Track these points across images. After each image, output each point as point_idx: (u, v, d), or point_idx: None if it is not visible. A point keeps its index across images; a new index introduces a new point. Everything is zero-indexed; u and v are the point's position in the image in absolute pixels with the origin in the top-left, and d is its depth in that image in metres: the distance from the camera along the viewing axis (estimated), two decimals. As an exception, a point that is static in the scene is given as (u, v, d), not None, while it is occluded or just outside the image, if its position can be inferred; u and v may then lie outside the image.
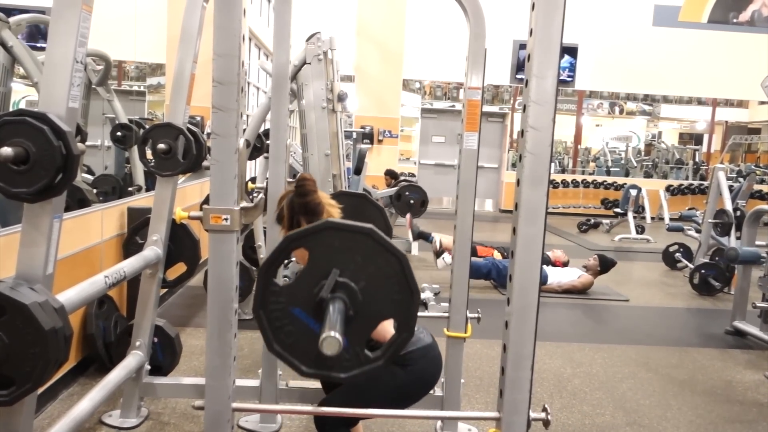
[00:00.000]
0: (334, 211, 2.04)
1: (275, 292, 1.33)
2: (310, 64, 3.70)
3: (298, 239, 1.31)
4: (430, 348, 1.98)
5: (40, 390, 1.76)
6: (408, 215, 6.71)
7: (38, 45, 3.85)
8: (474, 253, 5.83)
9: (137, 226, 3.04)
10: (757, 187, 11.76)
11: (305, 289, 1.30)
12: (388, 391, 1.90)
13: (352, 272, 1.29)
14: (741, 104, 14.53)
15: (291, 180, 5.68)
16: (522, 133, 1.54)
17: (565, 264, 6.24)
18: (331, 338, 1.19)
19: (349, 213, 2.13)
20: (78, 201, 3.52)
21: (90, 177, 4.50)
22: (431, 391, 2.69)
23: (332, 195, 2.46)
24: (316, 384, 2.73)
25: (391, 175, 8.86)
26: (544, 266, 5.75)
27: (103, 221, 3.40)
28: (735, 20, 12.52)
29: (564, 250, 6.60)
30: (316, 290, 1.29)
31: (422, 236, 6.66)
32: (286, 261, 2.20)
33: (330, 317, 1.23)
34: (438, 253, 5.64)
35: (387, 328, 1.62)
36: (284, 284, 1.33)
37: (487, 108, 12.37)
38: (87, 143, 4.34)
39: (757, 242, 4.70)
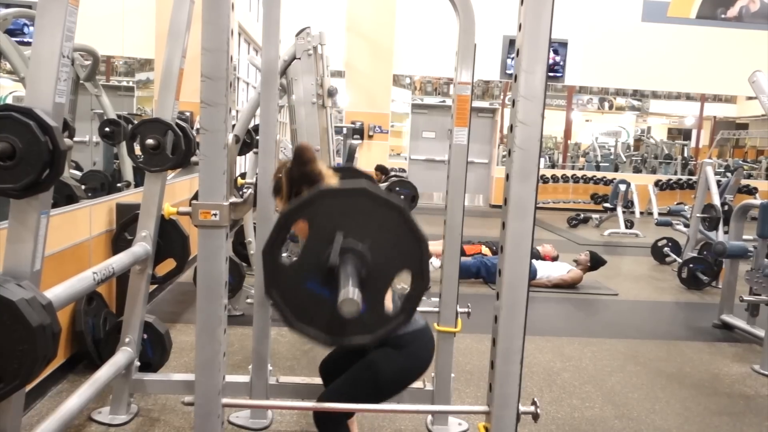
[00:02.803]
0: (333, 182, 2.00)
1: (284, 271, 1.31)
2: (299, 59, 3.68)
3: (295, 212, 1.29)
4: (424, 331, 1.98)
5: (29, 387, 1.75)
6: None
7: (25, 40, 3.81)
8: (461, 253, 5.83)
9: (126, 222, 3.02)
10: (744, 181, 11.83)
11: (313, 261, 1.28)
12: (387, 375, 1.90)
13: (356, 233, 1.28)
14: (729, 100, 14.61)
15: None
16: (511, 128, 1.54)
17: (554, 259, 6.27)
18: (348, 300, 1.17)
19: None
20: (66, 197, 3.50)
21: (78, 173, 4.47)
22: (422, 386, 2.72)
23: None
24: (306, 379, 2.73)
25: (382, 171, 8.86)
26: (534, 261, 5.78)
27: (92, 217, 3.38)
28: (723, 16, 12.59)
29: (554, 244, 6.63)
30: (324, 258, 1.27)
31: None
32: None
33: (342, 281, 1.22)
34: None
35: (386, 302, 1.63)
36: (291, 262, 1.32)
37: (476, 103, 12.36)
38: (75, 139, 4.30)
39: (745, 236, 4.73)
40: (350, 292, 1.18)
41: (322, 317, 1.32)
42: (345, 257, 1.26)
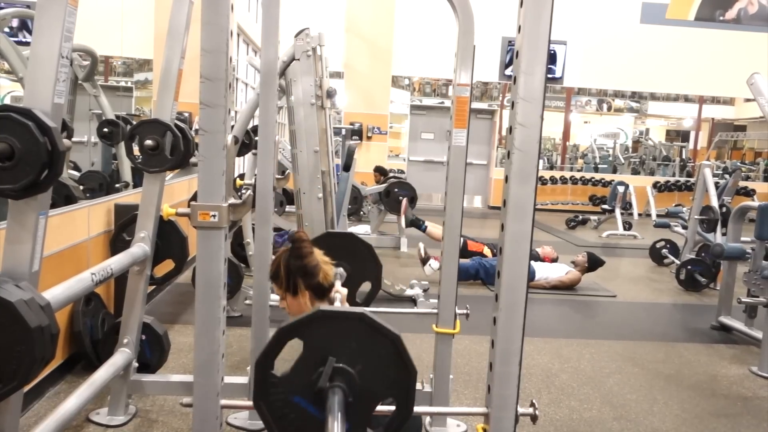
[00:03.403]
0: (328, 269, 2.04)
1: (274, 383, 1.34)
2: (298, 60, 3.68)
3: (291, 331, 1.32)
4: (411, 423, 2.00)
5: (27, 388, 1.74)
6: (404, 200, 6.74)
7: (24, 39, 3.81)
8: (464, 246, 5.85)
9: (124, 222, 3.02)
10: (742, 183, 11.87)
11: (303, 377, 1.32)
12: None
13: (348, 357, 1.31)
14: (727, 102, 14.65)
15: (279, 177, 5.68)
16: (510, 129, 1.54)
17: (554, 260, 6.28)
18: None
19: (337, 253, 2.14)
20: (64, 198, 3.49)
21: (76, 173, 4.46)
22: (421, 387, 2.72)
23: (319, 237, 2.46)
24: (305, 381, 2.72)
25: (380, 172, 8.87)
26: (532, 262, 5.78)
27: (90, 218, 3.37)
28: (721, 18, 12.61)
29: (553, 246, 6.63)
30: (315, 378, 1.30)
31: (415, 224, 6.72)
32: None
33: (332, 415, 1.24)
34: (424, 261, 5.65)
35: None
36: (282, 374, 1.34)
37: (475, 105, 12.38)
38: (73, 139, 4.30)
39: (742, 238, 4.74)
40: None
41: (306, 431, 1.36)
42: (335, 383, 1.29)
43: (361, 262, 2.46)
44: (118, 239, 2.99)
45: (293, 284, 1.96)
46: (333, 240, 2.51)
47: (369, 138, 11.15)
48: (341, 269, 2.26)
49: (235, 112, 4.49)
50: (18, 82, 3.73)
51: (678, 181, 13.04)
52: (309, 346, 1.31)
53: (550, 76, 10.47)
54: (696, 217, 6.28)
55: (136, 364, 2.72)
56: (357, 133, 10.80)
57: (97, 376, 2.43)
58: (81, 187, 4.10)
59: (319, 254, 2.01)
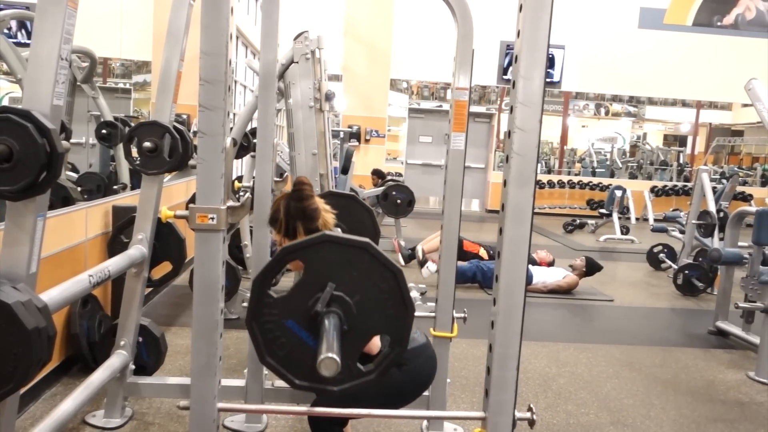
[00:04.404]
0: (329, 217, 2.03)
1: (269, 304, 1.32)
2: (297, 63, 3.68)
3: (295, 251, 1.30)
4: (424, 347, 1.99)
5: (23, 390, 1.74)
6: (395, 241, 6.56)
7: (22, 41, 3.81)
8: (461, 246, 5.82)
9: (122, 224, 3.01)
10: (739, 188, 11.90)
11: (300, 302, 1.30)
12: (384, 390, 1.90)
13: (348, 286, 1.29)
14: (725, 107, 14.68)
15: (278, 179, 5.66)
16: (509, 134, 1.54)
17: (550, 264, 6.28)
18: (330, 359, 1.17)
19: (337, 215, 2.12)
20: (62, 199, 3.48)
21: (74, 175, 4.46)
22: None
23: (320, 195, 2.45)
24: (302, 384, 2.72)
25: (378, 175, 8.87)
26: (530, 266, 5.78)
27: (88, 220, 3.37)
28: (719, 23, 12.66)
29: (549, 250, 6.63)
30: (311, 303, 1.28)
31: (412, 257, 6.14)
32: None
33: (327, 336, 1.22)
34: (421, 263, 5.64)
35: (375, 341, 1.63)
36: (279, 296, 1.32)
37: (474, 108, 12.40)
38: (72, 141, 4.29)
39: (740, 243, 4.75)
40: (332, 352, 1.18)
41: (293, 357, 1.34)
42: (331, 309, 1.27)
43: (360, 226, 2.43)
44: (116, 241, 2.99)
45: (292, 228, 1.94)
46: (334, 200, 2.47)
47: (367, 141, 11.16)
48: (339, 230, 2.24)
49: (234, 114, 4.50)
50: (16, 84, 3.73)
51: (675, 185, 13.07)
52: (310, 269, 1.29)
53: (548, 80, 10.50)
54: (693, 221, 6.29)
55: (133, 367, 2.72)
56: (355, 136, 10.81)
57: (93, 379, 2.43)
58: (79, 189, 4.09)
59: (320, 201, 1.99)
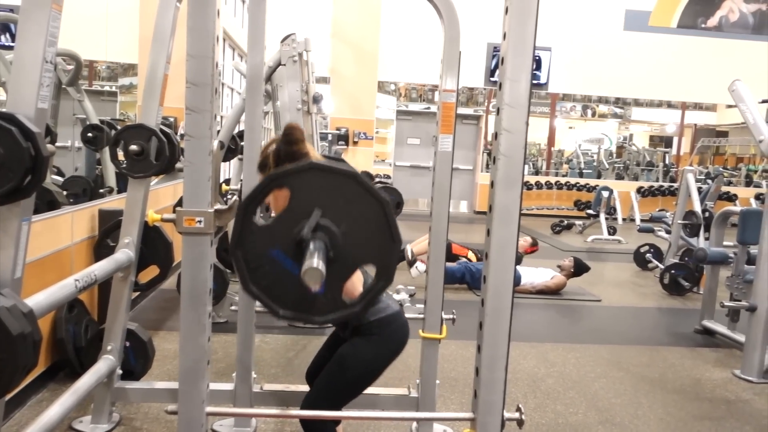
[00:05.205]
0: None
1: (254, 232, 1.30)
2: (284, 65, 3.68)
3: (282, 177, 1.28)
4: (395, 316, 2.00)
5: (8, 396, 1.72)
6: None
7: (6, 44, 3.78)
8: (449, 249, 5.83)
9: (109, 228, 2.99)
10: (724, 188, 12.01)
11: (285, 230, 1.26)
12: (359, 366, 1.93)
13: (334, 214, 1.26)
14: (710, 108, 14.82)
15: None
16: (496, 135, 1.55)
17: (533, 248, 6.31)
18: (314, 269, 1.16)
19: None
20: (47, 203, 3.45)
21: (60, 179, 4.42)
22: (407, 393, 2.72)
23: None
24: (290, 387, 2.72)
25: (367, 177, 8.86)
26: (518, 267, 5.80)
27: (74, 224, 3.34)
28: (703, 25, 12.79)
29: (538, 251, 6.64)
30: (296, 230, 1.26)
31: (402, 258, 5.84)
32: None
33: (311, 251, 1.21)
34: (410, 263, 5.64)
35: (356, 285, 1.62)
36: (264, 224, 1.30)
37: (461, 110, 12.44)
38: (57, 144, 4.26)
39: (725, 243, 4.79)
40: (317, 263, 1.17)
41: (277, 287, 1.31)
42: (317, 234, 1.25)
43: None
44: (102, 245, 2.96)
45: None
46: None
47: (355, 143, 11.16)
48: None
49: (221, 117, 4.48)
50: (1, 87, 3.69)
51: (661, 186, 13.17)
52: (295, 197, 1.27)
53: (535, 82, 10.56)
54: (679, 221, 6.34)
55: (120, 372, 2.70)
56: (343, 138, 10.81)
57: (80, 384, 2.40)
58: (65, 193, 4.06)
59: (312, 149, 1.97)
